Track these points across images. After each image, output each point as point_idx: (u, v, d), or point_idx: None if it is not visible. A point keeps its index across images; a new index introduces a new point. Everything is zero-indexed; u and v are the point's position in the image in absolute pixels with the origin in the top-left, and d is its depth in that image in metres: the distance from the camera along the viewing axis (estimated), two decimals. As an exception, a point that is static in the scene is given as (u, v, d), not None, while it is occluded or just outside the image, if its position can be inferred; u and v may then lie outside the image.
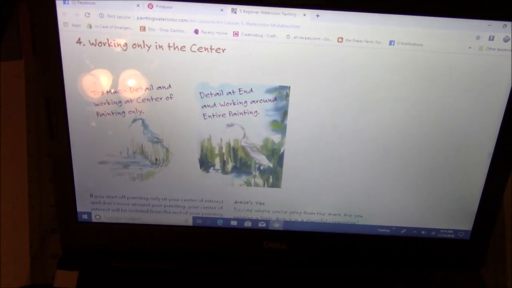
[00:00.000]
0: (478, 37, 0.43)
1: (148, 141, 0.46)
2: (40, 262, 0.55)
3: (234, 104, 0.45)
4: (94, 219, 0.49)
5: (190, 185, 0.48)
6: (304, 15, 0.42)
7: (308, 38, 0.43)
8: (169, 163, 0.47)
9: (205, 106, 0.45)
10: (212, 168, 0.48)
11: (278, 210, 0.49)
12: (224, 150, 0.47)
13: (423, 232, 0.50)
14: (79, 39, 0.42)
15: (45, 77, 0.44)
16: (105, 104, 0.45)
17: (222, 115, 0.45)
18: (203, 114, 0.45)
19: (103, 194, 0.48)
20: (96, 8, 0.42)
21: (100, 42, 0.43)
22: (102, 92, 0.44)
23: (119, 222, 0.50)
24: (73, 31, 0.42)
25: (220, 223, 0.50)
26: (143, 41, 0.43)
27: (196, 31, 0.42)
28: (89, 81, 0.44)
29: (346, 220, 0.49)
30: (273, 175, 0.48)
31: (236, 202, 0.49)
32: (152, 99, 0.45)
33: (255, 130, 0.46)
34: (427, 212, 0.49)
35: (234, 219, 0.50)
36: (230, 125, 0.46)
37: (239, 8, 0.42)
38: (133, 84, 0.44)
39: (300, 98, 0.45)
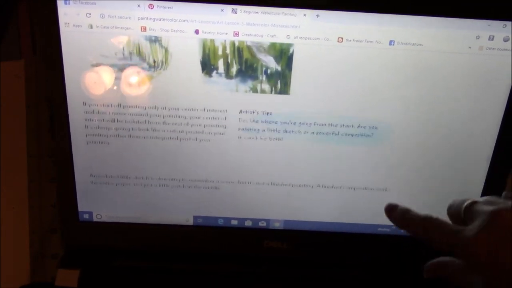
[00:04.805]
0: (478, 37, 0.43)
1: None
2: (40, 262, 0.55)
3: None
4: (95, 219, 0.50)
5: (191, 91, 0.45)
6: (304, 15, 0.42)
7: (308, 38, 0.43)
8: (168, 66, 0.44)
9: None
10: (215, 71, 0.44)
11: (278, 209, 0.49)
12: (228, 51, 0.44)
13: (423, 231, 0.50)
14: (80, 39, 0.43)
15: (46, 77, 0.44)
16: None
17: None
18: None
19: (104, 193, 0.48)
20: (97, 8, 0.42)
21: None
22: (103, 91, 0.44)
23: (120, 221, 0.50)
24: (74, 31, 0.42)
25: (220, 222, 0.50)
26: (144, 41, 0.43)
27: (197, 31, 0.43)
28: (91, 81, 0.44)
29: (346, 219, 0.50)
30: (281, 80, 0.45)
31: (241, 112, 0.46)
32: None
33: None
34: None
35: (235, 219, 0.50)
36: None
37: (240, 8, 0.42)
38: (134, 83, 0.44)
39: (299, 98, 0.45)
